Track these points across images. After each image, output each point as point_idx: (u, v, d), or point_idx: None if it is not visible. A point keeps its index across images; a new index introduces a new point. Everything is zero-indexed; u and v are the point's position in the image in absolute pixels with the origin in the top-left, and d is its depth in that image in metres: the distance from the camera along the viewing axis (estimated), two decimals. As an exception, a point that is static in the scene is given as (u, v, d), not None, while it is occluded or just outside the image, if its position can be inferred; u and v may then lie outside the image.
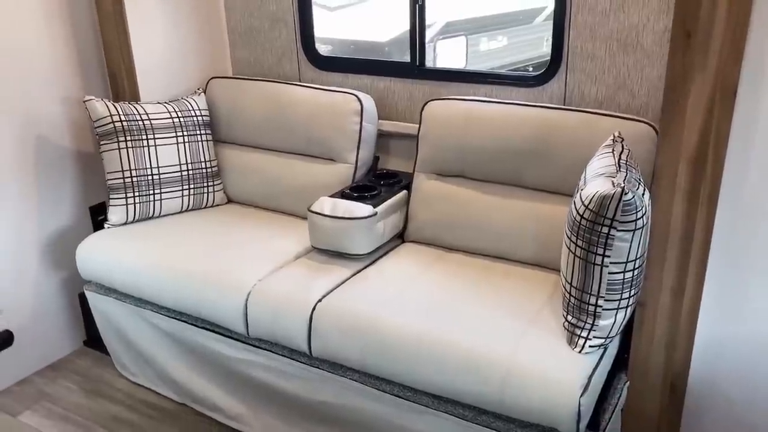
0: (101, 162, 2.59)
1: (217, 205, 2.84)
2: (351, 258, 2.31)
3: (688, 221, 1.71)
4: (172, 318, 2.38)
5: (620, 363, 1.98)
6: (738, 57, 1.57)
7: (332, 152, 2.69)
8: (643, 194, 1.72)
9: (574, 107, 2.34)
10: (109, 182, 2.57)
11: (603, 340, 1.81)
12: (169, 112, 2.68)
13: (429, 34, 3.60)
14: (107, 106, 2.54)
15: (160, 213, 2.67)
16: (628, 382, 1.94)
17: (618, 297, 1.77)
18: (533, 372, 1.75)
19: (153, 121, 2.62)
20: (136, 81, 2.75)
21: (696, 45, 1.57)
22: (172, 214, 2.71)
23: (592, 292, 1.77)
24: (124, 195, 2.57)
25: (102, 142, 2.55)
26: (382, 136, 2.79)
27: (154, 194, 2.63)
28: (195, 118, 2.75)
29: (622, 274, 1.74)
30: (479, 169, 2.39)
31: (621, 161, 1.83)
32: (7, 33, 2.45)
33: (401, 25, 2.83)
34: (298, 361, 2.14)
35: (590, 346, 1.80)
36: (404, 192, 2.53)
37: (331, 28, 3.92)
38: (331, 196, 2.42)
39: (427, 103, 2.50)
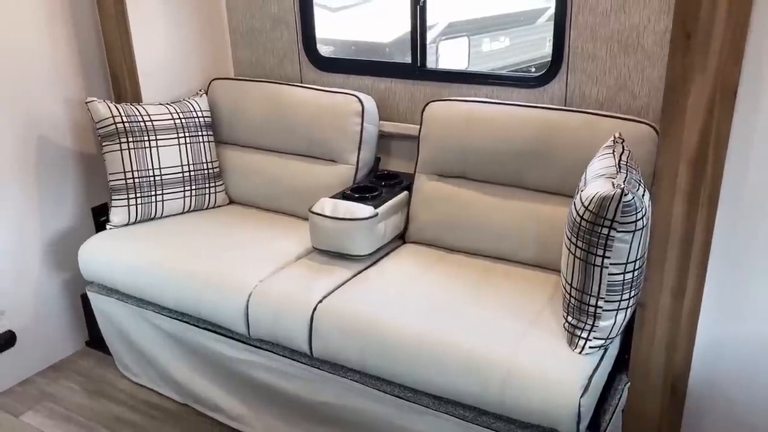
0: (103, 163, 2.59)
1: (219, 206, 2.85)
2: (352, 259, 2.32)
3: (688, 222, 1.71)
4: (174, 319, 2.38)
5: (621, 364, 1.97)
6: (738, 57, 1.57)
7: (333, 153, 2.69)
8: (643, 195, 1.72)
9: (575, 108, 2.34)
10: (111, 183, 2.58)
11: (603, 341, 1.81)
12: (171, 114, 2.69)
13: (431, 35, 3.60)
14: (109, 108, 2.55)
15: (161, 214, 2.68)
16: (629, 383, 1.94)
17: (618, 298, 1.77)
18: (534, 373, 1.75)
19: (155, 123, 2.63)
20: (137, 82, 2.75)
21: (696, 46, 1.57)
22: (174, 215, 2.72)
23: (592, 293, 1.77)
24: (126, 196, 2.58)
25: (104, 143, 2.56)
26: (383, 137, 2.79)
27: (155, 195, 2.63)
28: (197, 119, 2.75)
29: (622, 275, 1.74)
30: (480, 170, 2.40)
31: (621, 162, 1.83)
32: (8, 33, 2.45)
33: (403, 26, 2.83)
34: (299, 361, 2.14)
35: (590, 347, 1.80)
36: (405, 193, 2.54)
37: (333, 29, 3.92)
38: (332, 197, 2.43)
39: (428, 104, 2.51)
